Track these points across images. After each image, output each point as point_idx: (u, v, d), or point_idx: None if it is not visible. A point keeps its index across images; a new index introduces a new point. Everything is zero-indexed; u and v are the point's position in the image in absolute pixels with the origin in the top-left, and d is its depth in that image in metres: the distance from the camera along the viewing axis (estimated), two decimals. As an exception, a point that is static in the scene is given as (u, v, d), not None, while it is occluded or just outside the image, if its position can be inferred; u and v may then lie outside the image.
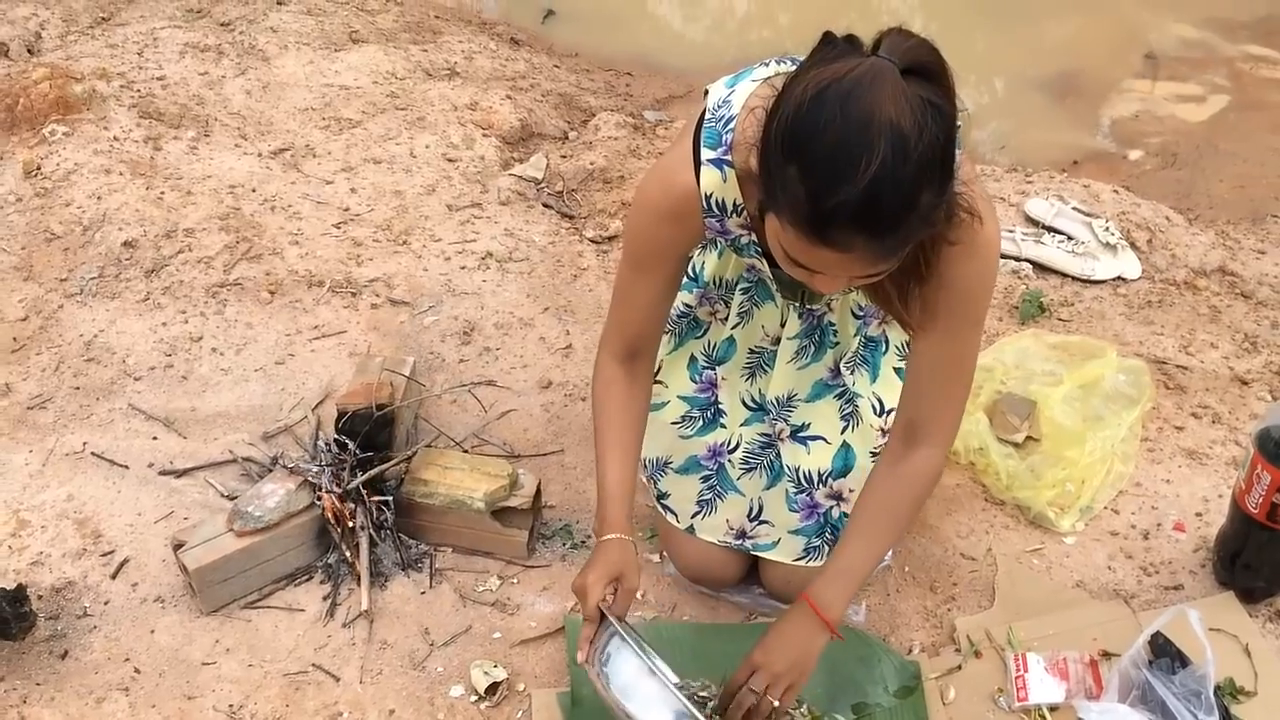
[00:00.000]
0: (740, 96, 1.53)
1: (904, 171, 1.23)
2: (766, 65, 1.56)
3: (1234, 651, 1.91)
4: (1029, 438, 2.25)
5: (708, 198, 1.58)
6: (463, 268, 2.78)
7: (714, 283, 1.88)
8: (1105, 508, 2.18)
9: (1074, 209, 2.92)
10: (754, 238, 1.63)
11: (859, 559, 1.66)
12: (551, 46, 4.00)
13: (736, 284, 1.86)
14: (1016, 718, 1.83)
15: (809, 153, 1.26)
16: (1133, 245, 2.86)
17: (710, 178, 1.56)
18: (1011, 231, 2.88)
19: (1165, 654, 1.81)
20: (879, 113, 1.22)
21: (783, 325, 1.85)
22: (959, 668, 1.90)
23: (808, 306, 1.80)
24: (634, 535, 1.71)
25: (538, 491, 2.12)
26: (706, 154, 1.55)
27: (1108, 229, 2.84)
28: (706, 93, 1.58)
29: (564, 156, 3.21)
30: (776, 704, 1.62)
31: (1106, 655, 1.90)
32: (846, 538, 1.68)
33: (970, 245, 1.47)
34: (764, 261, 1.69)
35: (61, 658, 1.92)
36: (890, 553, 2.06)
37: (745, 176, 1.52)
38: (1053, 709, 1.83)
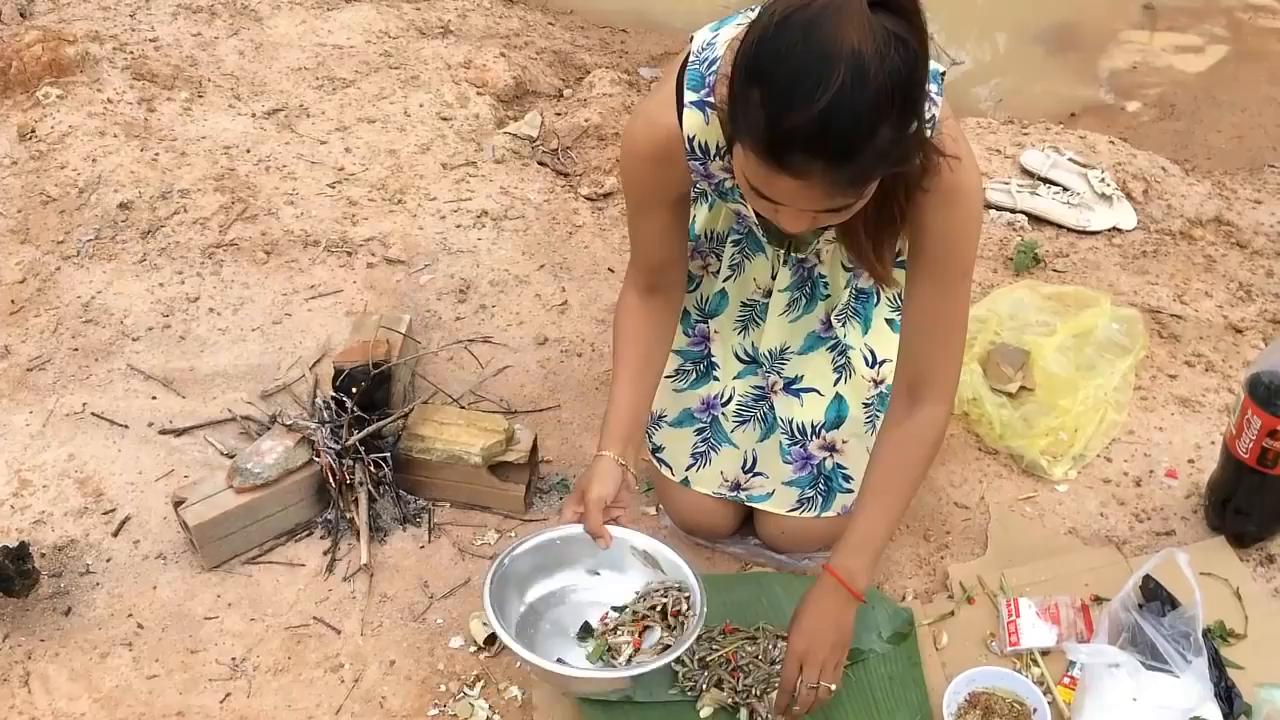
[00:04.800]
0: (724, 39, 1.53)
1: (861, 98, 1.24)
2: (753, 11, 1.55)
3: (1225, 595, 1.92)
4: (1022, 387, 2.26)
5: (690, 140, 1.58)
6: (458, 226, 2.78)
7: (705, 236, 1.88)
8: (1098, 456, 2.19)
9: (1070, 160, 2.91)
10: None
11: (876, 525, 1.66)
12: (546, 3, 3.96)
13: (727, 237, 1.86)
14: (1008, 662, 1.85)
15: (770, 77, 1.27)
16: (1128, 196, 2.85)
17: (693, 120, 1.56)
18: (1007, 183, 2.87)
19: (1155, 597, 1.82)
20: (841, 40, 1.23)
21: (774, 278, 1.86)
22: (952, 614, 1.92)
23: (796, 256, 1.80)
24: (624, 453, 1.72)
25: (534, 446, 2.13)
26: (689, 96, 1.55)
27: (1103, 180, 2.83)
28: (691, 38, 1.58)
29: (559, 114, 3.20)
30: (834, 688, 1.65)
31: (1098, 600, 1.91)
32: (861, 505, 1.68)
33: (948, 193, 1.47)
34: (749, 207, 1.69)
35: (65, 614, 1.94)
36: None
37: (723, 112, 1.52)
38: (1044, 653, 1.85)
